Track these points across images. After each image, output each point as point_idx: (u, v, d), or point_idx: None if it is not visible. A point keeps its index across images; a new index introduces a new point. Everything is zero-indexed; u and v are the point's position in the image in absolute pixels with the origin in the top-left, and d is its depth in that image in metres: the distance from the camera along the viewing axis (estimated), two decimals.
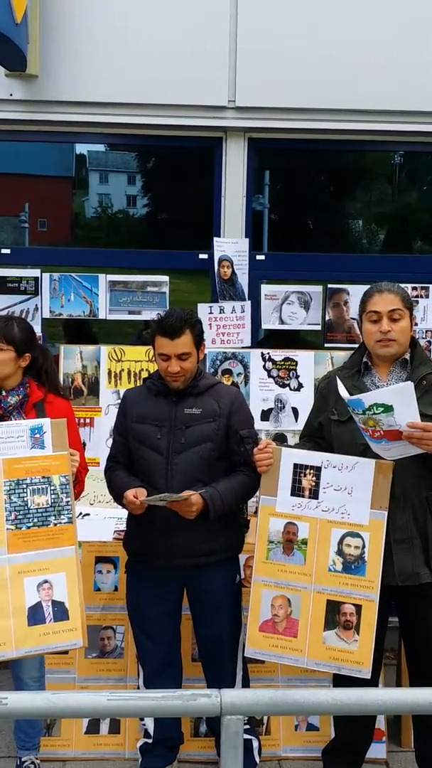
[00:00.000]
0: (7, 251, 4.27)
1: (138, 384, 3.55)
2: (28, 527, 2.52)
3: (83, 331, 4.51)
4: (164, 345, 2.80)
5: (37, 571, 2.49)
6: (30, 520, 2.52)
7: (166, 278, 4.19)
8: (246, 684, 3.05)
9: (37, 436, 2.59)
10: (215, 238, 4.15)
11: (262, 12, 3.98)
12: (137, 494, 2.75)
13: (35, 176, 6.11)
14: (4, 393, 2.85)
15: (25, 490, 2.53)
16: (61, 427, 2.61)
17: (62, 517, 2.56)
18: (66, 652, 3.27)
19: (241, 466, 2.88)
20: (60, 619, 2.48)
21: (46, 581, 2.49)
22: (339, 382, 2.62)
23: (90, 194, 6.84)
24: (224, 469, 2.90)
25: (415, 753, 2.97)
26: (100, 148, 6.32)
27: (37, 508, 2.53)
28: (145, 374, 3.81)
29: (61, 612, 2.48)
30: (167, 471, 2.82)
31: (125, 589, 3.06)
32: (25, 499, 2.53)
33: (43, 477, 2.56)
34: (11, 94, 4.00)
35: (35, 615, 2.46)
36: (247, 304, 4.12)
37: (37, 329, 4.16)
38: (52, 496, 2.55)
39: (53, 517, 2.54)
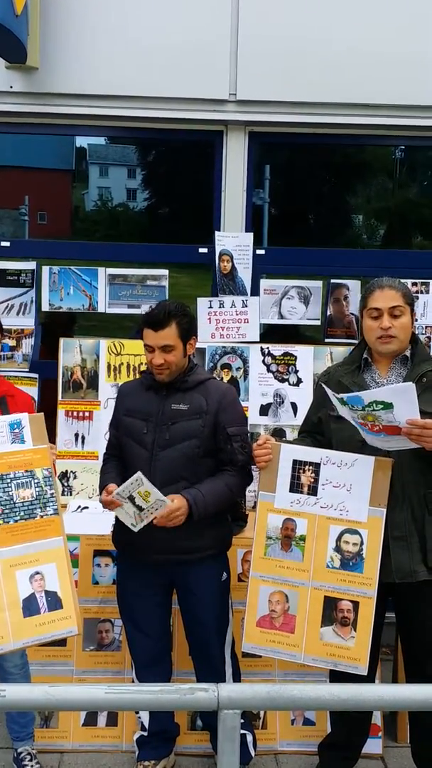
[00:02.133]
0: (7, 244, 4.25)
1: (137, 378, 3.55)
2: (16, 521, 2.55)
3: (77, 324, 4.51)
4: (148, 336, 2.81)
5: (28, 563, 2.53)
6: (17, 513, 2.55)
7: (165, 272, 4.18)
8: (237, 680, 3.04)
9: (17, 431, 2.61)
10: (216, 232, 4.14)
11: (263, 5, 3.95)
12: (108, 490, 2.76)
13: (35, 169, 6.10)
14: None
15: (9, 485, 2.56)
16: (40, 421, 2.65)
17: (48, 509, 2.59)
18: (64, 643, 3.30)
19: (228, 464, 2.86)
20: (54, 608, 2.52)
21: (37, 573, 2.53)
22: (327, 390, 2.60)
23: (90, 187, 6.84)
24: (210, 466, 2.87)
25: (411, 748, 2.99)
26: (101, 141, 6.31)
27: (23, 502, 2.56)
28: (144, 368, 3.80)
29: (54, 601, 2.52)
30: (151, 466, 2.81)
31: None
32: (10, 493, 2.56)
33: (26, 471, 2.59)
34: (11, 87, 3.98)
35: (30, 606, 2.49)
36: (255, 299, 4.11)
37: (31, 322, 4.16)
38: (37, 489, 2.59)
39: (39, 510, 2.58)
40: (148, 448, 2.83)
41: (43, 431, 2.65)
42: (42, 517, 2.57)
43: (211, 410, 2.85)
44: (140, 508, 2.70)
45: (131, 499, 2.70)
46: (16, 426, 2.61)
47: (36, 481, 2.59)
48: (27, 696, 1.97)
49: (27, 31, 3.74)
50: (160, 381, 2.86)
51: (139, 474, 2.68)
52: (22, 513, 2.55)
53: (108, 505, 2.77)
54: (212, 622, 2.94)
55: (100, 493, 2.91)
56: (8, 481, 2.56)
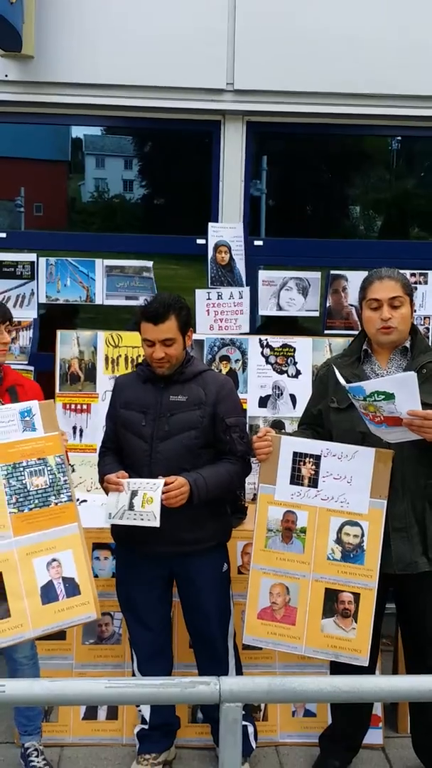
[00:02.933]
0: (3, 235, 4.22)
1: (133, 370, 3.54)
2: (30, 509, 2.55)
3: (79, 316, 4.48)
4: (148, 330, 2.79)
5: (45, 550, 2.54)
6: (31, 501, 2.55)
7: (149, 263, 4.13)
8: (239, 672, 3.05)
9: (28, 419, 2.61)
10: (210, 224, 4.11)
11: None
12: (119, 476, 2.76)
13: (31, 160, 6.07)
14: None
15: (22, 473, 2.56)
16: (50, 409, 2.66)
17: (62, 496, 2.60)
18: (63, 637, 3.29)
19: (227, 454, 2.86)
20: (72, 594, 2.53)
21: (54, 560, 2.54)
22: (336, 370, 2.60)
23: (86, 178, 6.81)
24: (209, 457, 2.87)
25: (411, 739, 3.00)
26: (97, 132, 6.29)
27: (36, 490, 2.56)
28: (140, 361, 3.79)
29: (72, 588, 2.53)
30: (151, 458, 2.80)
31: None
32: (24, 481, 2.55)
33: (39, 459, 2.59)
34: (6, 75, 3.94)
35: (48, 593, 2.50)
36: (246, 290, 4.10)
37: (33, 314, 4.14)
38: (50, 477, 2.59)
39: (53, 497, 2.58)
40: (148, 440, 2.82)
41: (54, 418, 2.65)
42: (56, 504, 2.58)
43: (210, 401, 2.84)
44: (131, 507, 2.70)
45: (133, 493, 2.69)
46: (26, 414, 2.61)
47: (49, 468, 2.60)
48: (27, 691, 1.97)
49: (22, 18, 3.69)
50: (161, 374, 2.85)
51: (161, 481, 2.69)
52: (36, 501, 2.56)
53: (109, 483, 2.76)
54: (214, 612, 2.94)
55: (101, 482, 2.90)
56: (21, 469, 2.56)
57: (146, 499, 2.67)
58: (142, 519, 2.68)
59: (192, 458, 2.81)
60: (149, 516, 2.66)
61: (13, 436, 2.57)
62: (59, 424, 3.85)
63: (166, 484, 2.69)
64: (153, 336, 2.79)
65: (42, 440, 2.60)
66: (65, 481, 2.61)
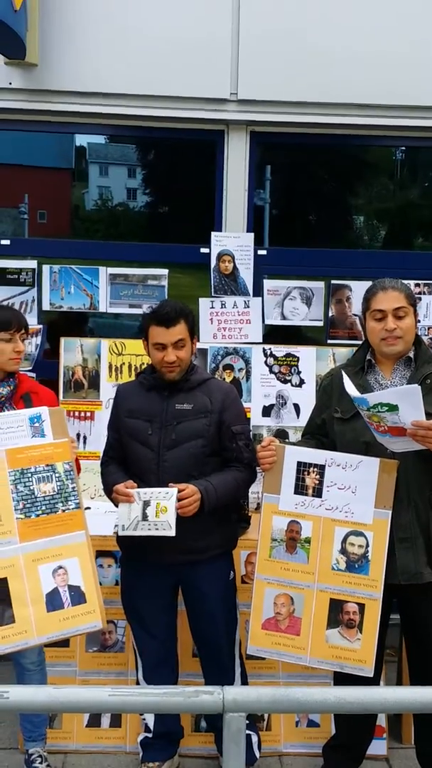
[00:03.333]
0: (7, 242, 4.24)
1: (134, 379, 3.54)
2: (37, 515, 2.53)
3: (83, 324, 4.49)
4: (159, 334, 2.80)
5: (51, 557, 2.52)
6: (38, 508, 2.54)
7: (165, 271, 4.16)
8: (244, 681, 3.05)
9: (37, 424, 2.60)
10: (213, 233, 4.12)
11: (264, 4, 3.94)
12: (128, 486, 2.75)
13: (35, 167, 6.08)
14: None
15: (30, 479, 2.55)
16: (60, 415, 2.65)
17: (69, 503, 2.58)
18: (67, 644, 3.29)
19: (234, 462, 2.87)
20: (78, 602, 2.51)
21: (60, 567, 2.52)
22: (346, 377, 2.60)
23: (90, 186, 6.82)
24: (216, 465, 2.88)
25: (415, 749, 2.99)
26: (101, 140, 6.29)
27: (44, 496, 2.55)
28: (143, 368, 3.80)
29: (78, 596, 2.52)
30: (158, 467, 2.81)
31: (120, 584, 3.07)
32: (31, 487, 2.55)
33: (47, 465, 2.58)
34: (10, 83, 3.96)
35: (53, 601, 2.49)
36: (257, 300, 4.10)
37: (34, 321, 4.15)
38: (58, 483, 2.58)
39: (61, 504, 2.57)
40: (155, 449, 2.82)
41: (64, 425, 2.64)
42: (64, 511, 2.57)
43: (216, 409, 2.85)
44: (145, 517, 2.69)
45: (145, 504, 2.69)
46: (36, 420, 2.60)
47: (57, 475, 2.58)
48: (31, 698, 1.97)
49: (26, 26, 3.71)
50: (170, 380, 2.85)
51: (174, 489, 2.69)
52: (43, 507, 2.54)
53: (120, 495, 2.75)
54: (222, 620, 2.95)
55: (108, 492, 2.90)
56: (29, 475, 2.55)
57: (160, 509, 2.67)
58: (157, 529, 2.67)
59: (199, 466, 2.82)
60: (164, 525, 2.66)
61: (22, 442, 2.57)
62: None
63: (179, 492, 2.69)
64: (165, 339, 2.79)
65: (51, 446, 2.60)
66: (73, 488, 2.60)
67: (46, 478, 2.57)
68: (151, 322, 2.82)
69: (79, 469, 2.87)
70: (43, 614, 2.46)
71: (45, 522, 2.53)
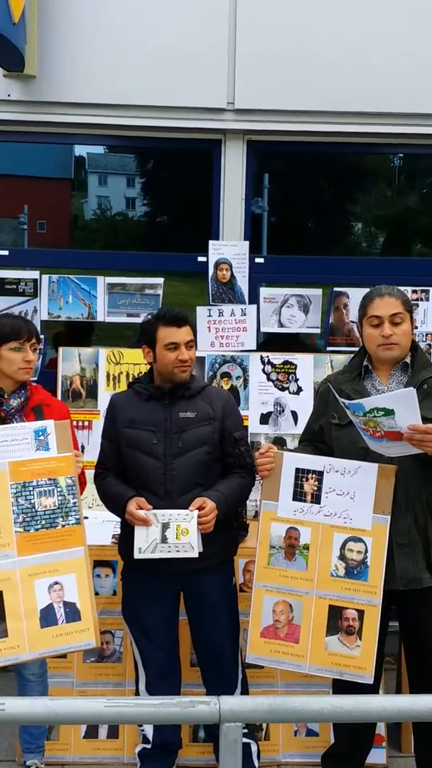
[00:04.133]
0: (5, 253, 4.25)
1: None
2: (37, 529, 2.52)
3: (81, 334, 4.50)
4: (172, 334, 2.82)
5: (48, 572, 2.50)
6: (38, 522, 2.52)
7: (160, 280, 4.16)
8: (245, 689, 3.04)
9: (42, 437, 2.58)
10: (211, 242, 4.13)
11: (261, 14, 3.97)
12: (140, 505, 2.74)
13: (34, 178, 6.11)
14: (6, 396, 2.82)
15: (32, 493, 2.53)
16: (65, 429, 2.62)
17: (70, 518, 2.56)
18: (64, 655, 3.26)
19: (236, 468, 2.89)
20: (72, 619, 2.49)
21: (56, 582, 2.50)
22: (333, 390, 2.62)
23: (89, 196, 6.86)
24: (219, 471, 2.89)
25: (415, 758, 2.96)
26: (99, 150, 6.33)
27: (44, 510, 2.54)
28: (139, 376, 3.79)
29: (73, 613, 2.50)
30: (165, 476, 2.80)
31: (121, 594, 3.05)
32: (33, 501, 2.53)
33: (50, 479, 2.56)
34: (9, 95, 3.99)
35: (47, 617, 2.47)
36: (252, 307, 4.11)
37: None
38: (59, 498, 2.56)
39: (61, 519, 2.55)
40: (161, 458, 2.81)
41: (69, 438, 2.62)
42: (63, 526, 2.55)
43: (218, 416, 2.87)
44: (164, 539, 2.68)
45: (165, 526, 2.68)
46: (41, 433, 2.58)
47: (59, 489, 2.57)
48: (27, 709, 1.95)
49: (25, 39, 3.74)
50: (181, 380, 2.85)
51: (195, 512, 2.68)
52: (43, 521, 2.53)
53: (135, 519, 2.72)
54: (225, 627, 2.94)
55: (114, 505, 2.88)
56: (31, 488, 2.53)
57: (181, 531, 2.66)
58: (178, 551, 2.67)
59: (205, 473, 2.83)
60: (187, 547, 2.66)
61: (26, 455, 2.55)
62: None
63: (199, 508, 2.69)
64: (178, 338, 2.81)
65: (54, 460, 2.57)
66: (74, 503, 2.57)
67: (48, 492, 2.55)
68: (160, 324, 2.84)
69: (84, 483, 2.86)
70: (37, 629, 2.44)
71: (44, 536, 2.52)
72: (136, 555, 2.71)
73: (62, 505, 2.56)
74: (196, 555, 2.66)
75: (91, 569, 2.59)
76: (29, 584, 2.47)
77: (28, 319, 3.01)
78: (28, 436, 2.57)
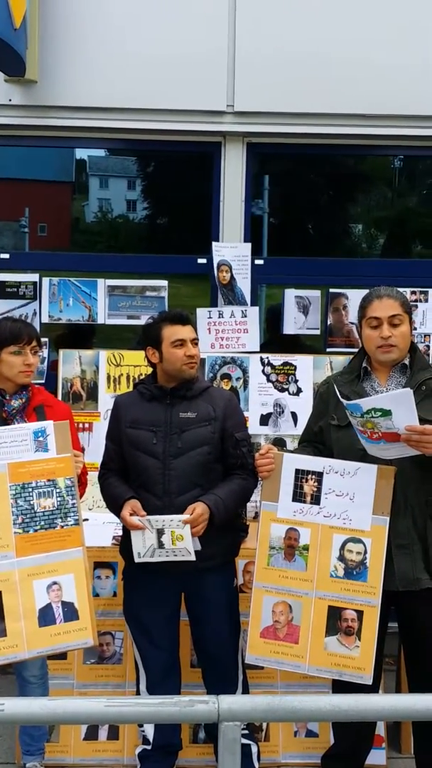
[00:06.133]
0: (6, 256, 4.26)
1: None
2: (36, 530, 2.54)
3: (81, 336, 4.51)
4: (179, 331, 2.85)
5: (46, 573, 2.52)
6: (37, 523, 2.54)
7: (165, 282, 4.18)
8: (245, 690, 3.04)
9: (41, 439, 2.60)
10: (214, 243, 4.14)
11: (260, 16, 3.98)
12: (134, 510, 2.76)
13: (35, 181, 6.12)
14: (8, 397, 2.84)
15: (31, 494, 2.55)
16: (64, 430, 2.63)
17: (69, 519, 2.58)
18: (64, 656, 3.28)
19: (237, 469, 2.88)
20: (70, 619, 2.51)
21: (55, 583, 2.52)
22: (335, 387, 2.63)
23: (90, 199, 6.86)
24: (220, 472, 2.89)
25: (415, 759, 2.96)
26: (100, 153, 6.33)
27: (43, 511, 2.55)
28: (141, 378, 3.80)
29: (71, 612, 2.52)
30: (164, 476, 2.81)
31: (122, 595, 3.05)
32: (32, 502, 2.54)
33: (49, 480, 2.58)
34: (10, 100, 4.01)
35: (45, 616, 2.49)
36: (254, 309, 4.12)
37: None
38: (58, 499, 2.57)
39: (60, 520, 2.56)
40: (160, 458, 2.83)
41: (68, 440, 2.63)
42: (62, 527, 2.56)
43: (219, 417, 2.88)
44: (161, 545, 2.71)
45: (159, 532, 2.70)
46: (40, 434, 2.60)
47: (58, 490, 2.58)
48: (26, 710, 1.96)
49: (26, 44, 3.76)
50: (190, 377, 2.88)
51: (185, 517, 2.70)
52: (42, 522, 2.54)
53: (129, 524, 2.75)
54: (227, 628, 2.95)
55: (113, 506, 2.90)
56: (30, 490, 2.55)
57: (176, 537, 2.69)
58: (176, 555, 2.71)
59: (205, 473, 2.84)
60: (183, 552, 2.70)
61: (25, 456, 2.56)
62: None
63: (190, 516, 2.71)
64: (185, 334, 2.86)
65: (53, 461, 2.59)
66: (73, 504, 2.59)
67: (47, 493, 2.56)
68: (165, 324, 2.88)
69: (85, 483, 2.87)
70: (35, 629, 2.47)
71: (43, 537, 2.54)
72: (136, 559, 2.74)
73: (61, 506, 2.57)
74: (194, 558, 2.69)
75: (89, 570, 2.60)
76: (28, 584, 2.49)
77: (29, 323, 3.02)
78: (27, 438, 2.58)
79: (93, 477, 3.16)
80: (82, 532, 2.60)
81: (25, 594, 2.48)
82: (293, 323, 4.16)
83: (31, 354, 2.83)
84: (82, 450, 3.94)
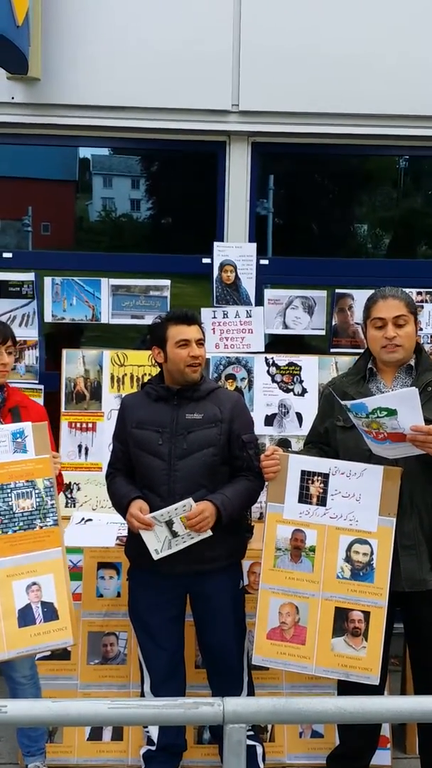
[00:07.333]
0: (9, 255, 4.25)
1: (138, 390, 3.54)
2: (15, 531, 2.55)
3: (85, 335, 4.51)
4: (183, 331, 2.84)
5: (26, 573, 2.54)
6: (16, 524, 2.55)
7: (167, 282, 4.17)
8: (251, 691, 3.03)
9: (20, 440, 2.61)
10: (216, 243, 4.13)
11: (265, 15, 3.97)
12: (142, 509, 2.75)
13: (39, 180, 6.11)
14: None
15: (9, 495, 2.56)
16: (43, 431, 2.65)
17: (48, 519, 2.59)
18: (68, 657, 3.28)
19: (244, 471, 2.87)
20: (50, 619, 2.53)
21: (34, 583, 2.54)
22: (334, 395, 2.65)
23: (94, 198, 6.85)
24: (226, 473, 2.88)
25: (420, 759, 2.95)
26: (104, 151, 6.32)
27: (22, 512, 2.57)
28: (147, 379, 3.79)
29: (50, 612, 2.53)
30: (169, 477, 2.80)
31: (127, 595, 3.04)
32: (10, 503, 2.56)
33: (27, 481, 2.59)
34: (13, 97, 3.99)
35: (25, 616, 2.50)
36: (259, 309, 4.11)
37: (34, 333, 4.15)
38: (37, 500, 2.59)
39: (39, 520, 2.58)
40: (166, 459, 2.82)
41: (47, 441, 2.64)
42: (41, 527, 2.58)
43: (226, 418, 2.86)
44: (175, 534, 2.71)
45: (169, 523, 2.70)
46: (18, 435, 2.61)
47: (37, 491, 2.59)
48: (29, 711, 1.95)
49: (28, 41, 3.75)
50: (192, 380, 2.87)
51: (190, 500, 2.70)
52: (21, 523, 2.56)
53: (139, 523, 2.74)
54: (233, 630, 2.94)
55: (119, 506, 2.89)
56: (8, 491, 2.56)
57: (186, 521, 2.70)
58: (192, 537, 2.72)
59: (210, 475, 2.82)
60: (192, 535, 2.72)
61: (3, 457, 2.57)
62: (63, 444, 3.87)
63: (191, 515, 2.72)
64: (190, 335, 2.84)
65: (32, 462, 2.60)
66: (52, 504, 2.60)
67: (26, 494, 2.58)
68: (170, 323, 2.86)
69: (61, 483, 2.86)
70: (15, 629, 2.48)
71: (22, 538, 2.55)
72: (156, 557, 2.74)
73: (40, 506, 2.59)
74: (210, 534, 2.71)
75: (67, 569, 2.61)
76: (7, 585, 2.50)
77: (4, 322, 3.01)
78: (5, 439, 2.59)
79: (99, 477, 3.16)
80: (62, 533, 2.62)
81: (5, 594, 2.49)
82: (273, 322, 4.15)
83: (6, 354, 2.82)
84: (86, 451, 3.96)
